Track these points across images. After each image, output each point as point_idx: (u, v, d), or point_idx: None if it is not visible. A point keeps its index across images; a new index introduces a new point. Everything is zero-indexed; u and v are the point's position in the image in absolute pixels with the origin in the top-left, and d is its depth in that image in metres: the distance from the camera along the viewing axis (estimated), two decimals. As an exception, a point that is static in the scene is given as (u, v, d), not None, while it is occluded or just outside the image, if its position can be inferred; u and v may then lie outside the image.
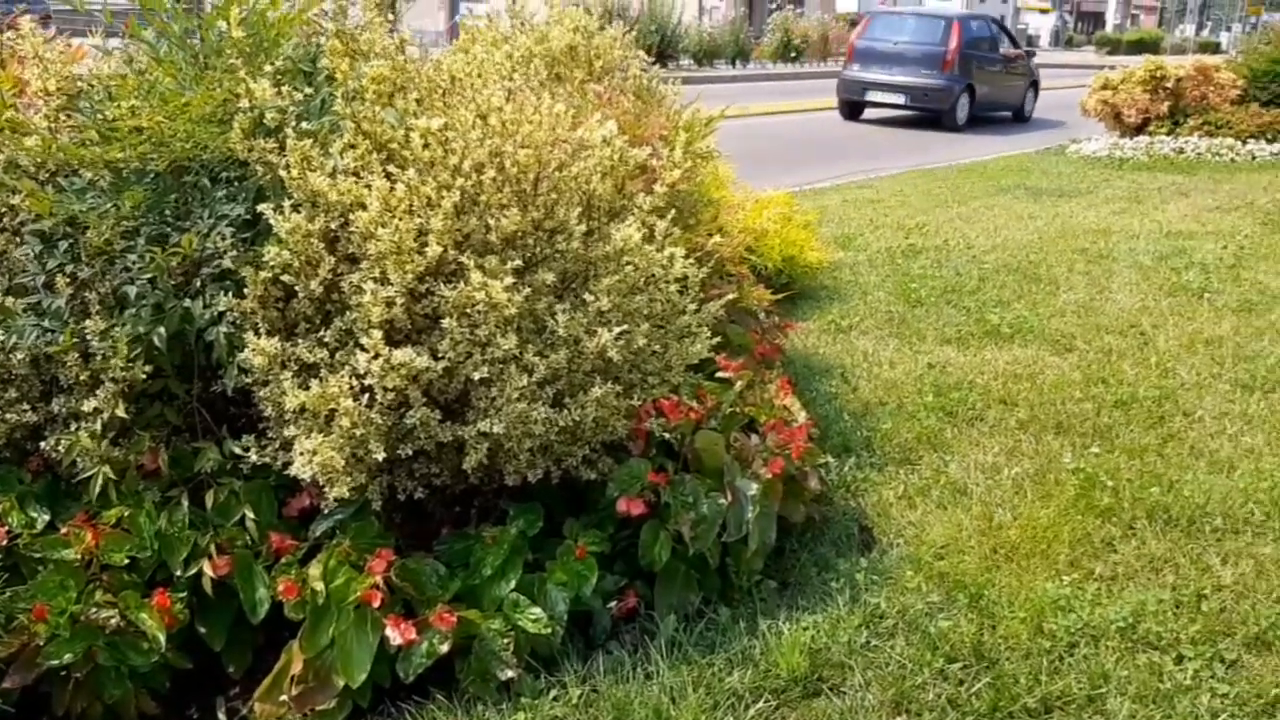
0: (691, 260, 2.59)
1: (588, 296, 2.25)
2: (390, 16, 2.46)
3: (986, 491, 3.22)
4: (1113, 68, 13.53)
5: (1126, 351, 4.51)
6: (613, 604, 2.41)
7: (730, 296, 2.88)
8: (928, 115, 14.52)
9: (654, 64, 3.98)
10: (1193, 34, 75.58)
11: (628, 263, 2.33)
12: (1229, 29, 77.66)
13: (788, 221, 5.14)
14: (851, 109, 15.14)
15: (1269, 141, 11.62)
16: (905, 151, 12.05)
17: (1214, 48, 59.54)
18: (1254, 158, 11.11)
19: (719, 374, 3.05)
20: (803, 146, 12.16)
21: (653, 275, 2.45)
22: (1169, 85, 12.30)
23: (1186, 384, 4.16)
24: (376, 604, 2.13)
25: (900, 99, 14.52)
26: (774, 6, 27.81)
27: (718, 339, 2.68)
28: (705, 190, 4.74)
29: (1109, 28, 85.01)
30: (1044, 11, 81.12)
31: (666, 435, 2.63)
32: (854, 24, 19.75)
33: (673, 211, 2.43)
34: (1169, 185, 9.27)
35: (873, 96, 14.72)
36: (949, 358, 4.38)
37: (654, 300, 2.41)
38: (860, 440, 3.54)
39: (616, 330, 2.24)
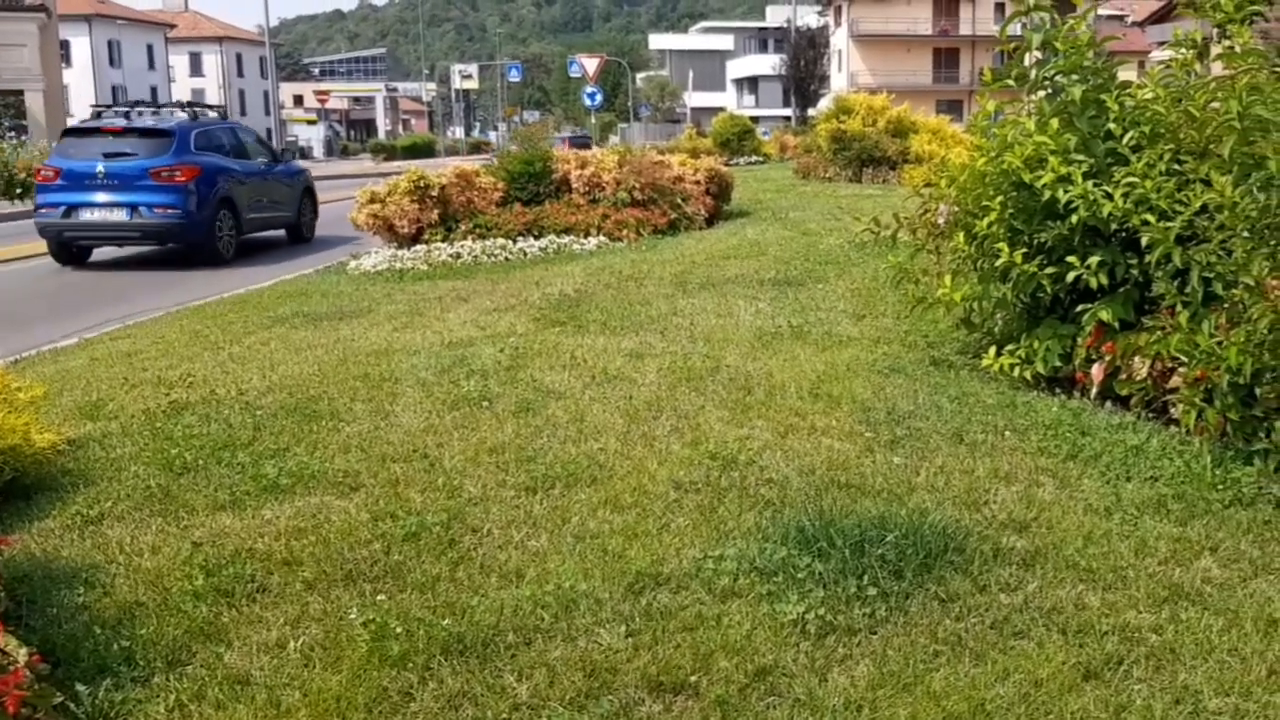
0: None
1: None
2: None
3: (272, 674, 3.17)
4: (396, 173, 14.71)
5: (414, 478, 4.78)
6: None
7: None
8: None
9: None
10: (463, 135, 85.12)
11: None
12: (496, 128, 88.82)
13: (1, 403, 4.68)
14: None
15: (535, 238, 13.38)
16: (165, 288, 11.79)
17: (486, 146, 67.61)
18: (525, 254, 12.70)
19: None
20: (35, 300, 11.36)
21: None
22: (435, 194, 13.61)
23: (474, 499, 4.52)
24: None
25: None
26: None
27: None
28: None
29: (381, 134, 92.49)
30: (311, 123, 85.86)
31: None
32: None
33: None
34: (449, 292, 10.18)
35: None
36: (223, 527, 4.28)
37: None
38: (118, 654, 3.28)
39: None
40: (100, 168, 13.77)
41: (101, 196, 13.75)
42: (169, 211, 13.78)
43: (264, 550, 4.04)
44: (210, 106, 17.09)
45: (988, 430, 5.28)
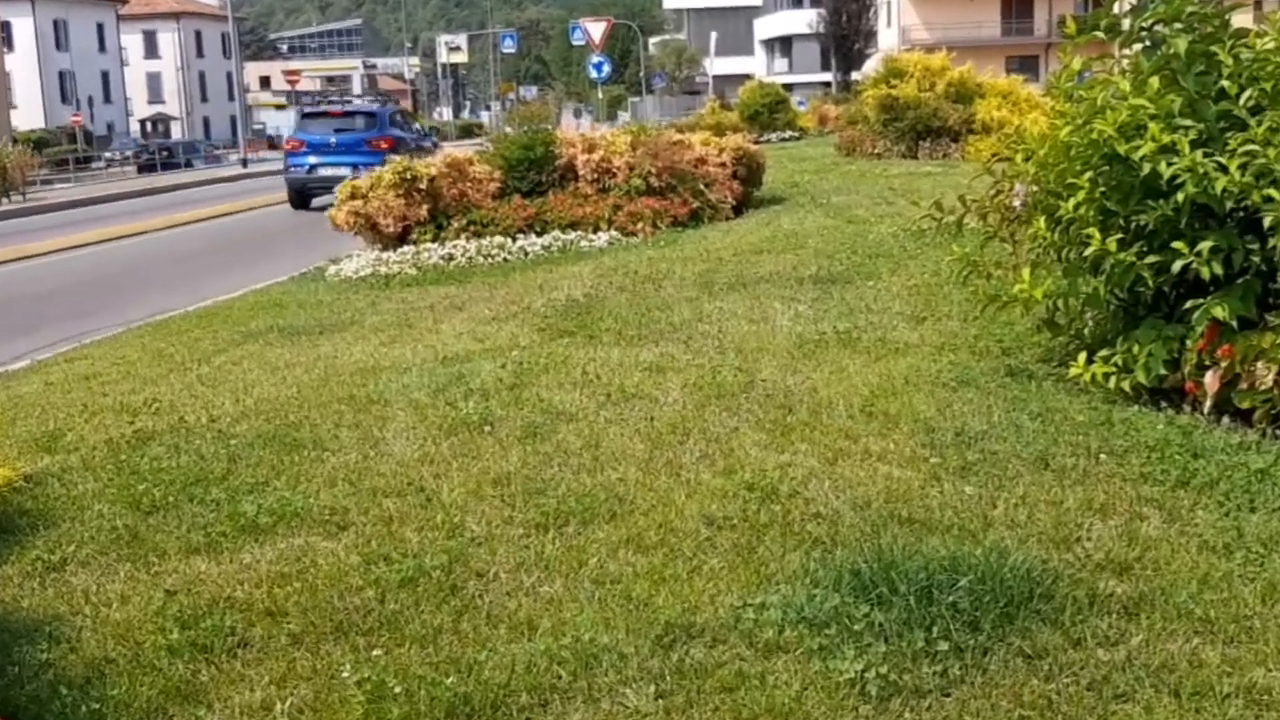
0: None
1: None
2: None
3: (259, 742, 3.22)
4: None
5: (409, 515, 4.83)
6: None
7: None
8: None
9: None
10: (451, 117, 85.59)
11: None
12: (489, 108, 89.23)
13: (-50, 437, 4.76)
14: None
15: (538, 235, 13.44)
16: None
17: (478, 129, 67.89)
18: (526, 254, 12.77)
19: None
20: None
21: None
22: (423, 186, 13.69)
23: (478, 538, 4.56)
24: None
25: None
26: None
27: None
28: None
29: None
30: (280, 107, 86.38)
31: None
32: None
33: None
34: (442, 300, 10.27)
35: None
36: (199, 573, 4.34)
37: None
38: (88, 717, 3.35)
39: None
40: (333, 139, 24.50)
41: (333, 158, 23.82)
42: (375, 169, 21.07)
43: (244, 599, 4.09)
44: (386, 94, 32.57)
45: (1078, 453, 5.13)
